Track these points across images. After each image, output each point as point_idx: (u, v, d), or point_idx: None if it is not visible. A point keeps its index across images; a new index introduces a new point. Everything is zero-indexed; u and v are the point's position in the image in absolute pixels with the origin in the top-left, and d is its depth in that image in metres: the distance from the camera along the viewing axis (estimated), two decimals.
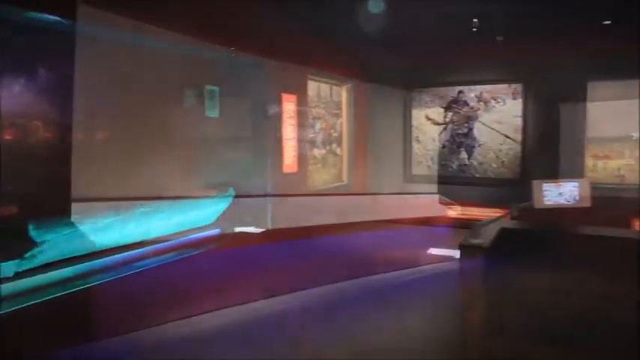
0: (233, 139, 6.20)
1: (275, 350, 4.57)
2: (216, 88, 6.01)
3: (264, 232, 6.09)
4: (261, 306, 5.82)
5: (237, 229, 5.91)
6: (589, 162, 10.45)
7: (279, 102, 6.89)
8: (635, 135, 9.81)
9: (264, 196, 6.46)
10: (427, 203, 9.10)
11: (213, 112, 5.99)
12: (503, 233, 10.88)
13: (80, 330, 4.35)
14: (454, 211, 9.39)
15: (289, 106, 7.00)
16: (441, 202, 9.51)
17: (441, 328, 5.83)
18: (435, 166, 9.72)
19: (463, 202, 9.56)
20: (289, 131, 7.01)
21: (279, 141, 6.87)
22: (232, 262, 5.71)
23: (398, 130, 8.95)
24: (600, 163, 10.39)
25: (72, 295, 4.17)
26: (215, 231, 5.58)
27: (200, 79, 5.93)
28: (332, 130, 7.59)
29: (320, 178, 7.45)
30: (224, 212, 5.85)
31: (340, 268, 7.04)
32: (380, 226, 7.60)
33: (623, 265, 8.76)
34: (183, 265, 5.17)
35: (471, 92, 11.07)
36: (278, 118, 6.87)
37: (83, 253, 4.32)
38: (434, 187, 9.52)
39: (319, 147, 7.43)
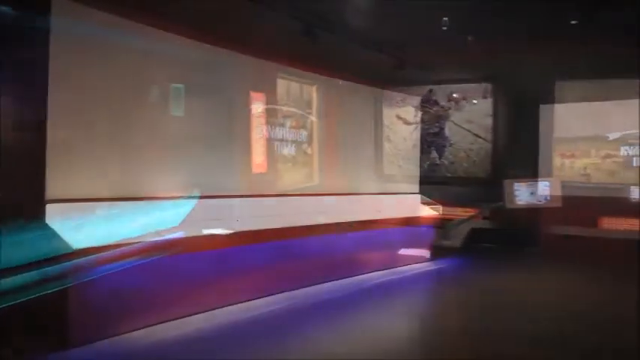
0: (200, 138, 6.04)
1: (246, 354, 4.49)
2: (181, 86, 5.86)
3: (232, 234, 5.94)
4: (232, 311, 5.74)
5: (205, 232, 5.74)
6: (556, 161, 10.59)
7: (248, 100, 6.75)
8: (611, 136, 9.98)
9: (232, 197, 6.32)
10: (399, 203, 9.07)
11: (178, 111, 5.84)
12: (475, 234, 11.01)
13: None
14: (426, 211, 9.39)
15: (258, 104, 6.86)
16: (414, 202, 9.50)
17: (411, 329, 5.81)
18: (407, 166, 9.70)
19: (434, 202, 9.57)
20: (258, 130, 6.86)
21: (247, 140, 6.73)
22: (199, 265, 5.58)
23: (369, 130, 8.89)
24: (567, 162, 10.54)
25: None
26: (180, 233, 5.41)
27: (166, 77, 5.76)
28: (302, 130, 7.48)
29: (290, 177, 7.34)
30: (190, 214, 5.70)
31: (310, 270, 6.97)
32: (351, 227, 7.53)
33: (594, 264, 8.82)
34: (145, 270, 5.01)
35: (442, 92, 11.10)
36: (247, 116, 6.72)
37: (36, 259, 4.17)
38: (405, 187, 9.50)
39: (289, 147, 7.31)
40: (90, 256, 4.48)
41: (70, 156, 4.82)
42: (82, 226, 4.68)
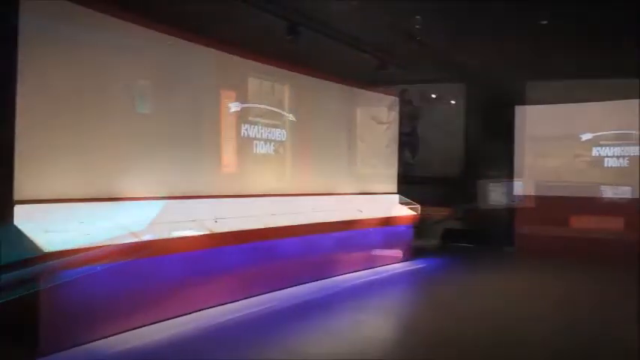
0: (172, 137, 5.89)
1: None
2: (153, 84, 5.71)
3: (210, 235, 5.81)
4: (210, 314, 5.64)
5: (181, 233, 5.60)
6: (528, 160, 10.75)
7: (223, 98, 6.62)
8: (583, 137, 10.18)
9: (208, 197, 6.19)
10: (375, 203, 9.05)
11: (149, 110, 5.67)
12: (448, 234, 11.07)
13: None
14: (404, 211, 9.40)
15: (233, 102, 6.73)
16: (391, 202, 9.49)
17: (391, 329, 5.80)
18: (381, 166, 9.67)
19: (412, 202, 9.59)
20: (232, 129, 6.74)
21: (221, 140, 6.60)
22: (175, 268, 5.46)
23: (344, 130, 8.84)
24: (539, 161, 10.70)
25: None
26: (155, 235, 5.27)
27: (136, 74, 5.59)
28: (277, 129, 7.37)
29: (262, 177, 7.23)
30: (165, 215, 5.56)
31: (289, 271, 6.92)
32: (322, 228, 7.49)
33: (565, 263, 8.94)
34: (117, 274, 4.89)
35: (415, 92, 11.13)
36: (221, 115, 6.60)
37: None
38: (381, 187, 9.49)
39: (264, 146, 7.19)
40: (60, 260, 4.32)
41: (39, 156, 4.64)
42: (52, 228, 4.51)
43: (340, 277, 7.72)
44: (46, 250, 4.26)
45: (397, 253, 9.18)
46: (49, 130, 4.73)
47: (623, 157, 9.80)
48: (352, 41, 7.54)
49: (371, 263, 8.53)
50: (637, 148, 9.64)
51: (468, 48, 8.29)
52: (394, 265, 8.95)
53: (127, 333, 4.84)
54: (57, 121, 4.81)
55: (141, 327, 5.00)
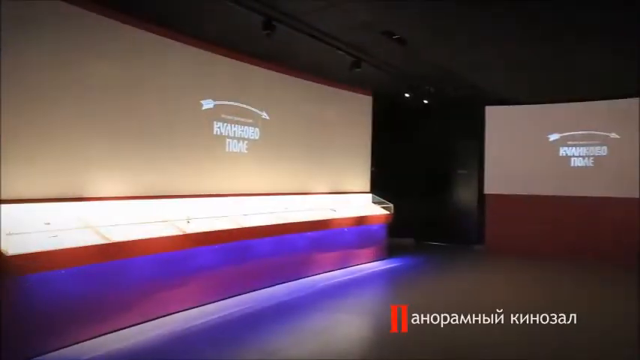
0: (139, 135, 5.71)
1: None
2: (126, 80, 5.53)
3: (182, 235, 5.64)
4: (184, 317, 5.53)
5: (154, 234, 5.41)
6: (498, 159, 10.87)
7: (196, 96, 6.44)
8: (551, 137, 10.37)
9: (181, 197, 6.02)
10: (350, 202, 9.00)
11: (123, 106, 5.50)
12: (420, 232, 10.88)
13: None
14: (378, 210, 9.37)
15: (201, 100, 6.55)
16: (365, 202, 9.45)
17: (365, 329, 5.73)
18: (353, 165, 9.61)
19: (381, 201, 9.57)
20: (206, 128, 6.57)
21: (194, 138, 6.42)
22: (148, 270, 5.33)
23: (318, 128, 8.74)
24: (509, 160, 10.83)
25: None
26: (127, 236, 5.06)
27: (108, 69, 5.41)
28: (247, 127, 7.22)
29: (235, 178, 7.07)
30: (137, 215, 5.38)
31: (263, 272, 6.81)
32: (295, 228, 7.40)
33: (535, 260, 8.99)
34: (88, 277, 4.71)
35: (391, 91, 11.09)
36: (195, 113, 6.41)
37: None
38: (355, 186, 9.45)
39: (238, 144, 7.03)
40: (28, 262, 4.17)
41: (8, 155, 4.45)
42: (21, 230, 4.33)
43: (314, 277, 7.69)
44: (8, 254, 4.06)
45: (371, 252, 9.14)
46: (14, 129, 4.53)
47: (589, 156, 10.02)
48: (328, 39, 7.44)
49: (344, 263, 8.47)
50: (601, 148, 9.89)
51: (443, 48, 8.28)
52: (368, 264, 8.92)
53: (100, 338, 4.71)
54: (23, 120, 4.62)
55: (110, 333, 4.85)
